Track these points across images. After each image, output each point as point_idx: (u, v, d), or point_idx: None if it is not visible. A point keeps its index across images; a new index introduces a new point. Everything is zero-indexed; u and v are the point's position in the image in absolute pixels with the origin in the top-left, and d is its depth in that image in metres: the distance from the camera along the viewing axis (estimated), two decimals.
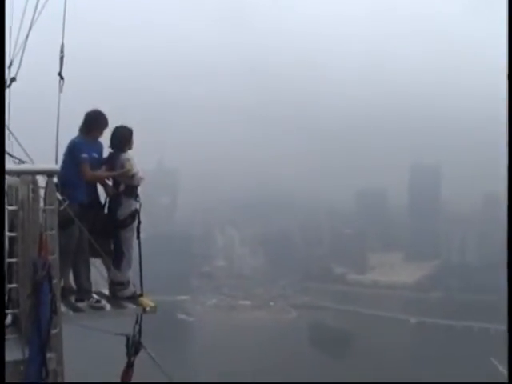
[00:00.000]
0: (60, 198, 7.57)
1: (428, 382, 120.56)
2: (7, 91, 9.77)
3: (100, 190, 10.48)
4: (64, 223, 7.76)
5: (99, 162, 10.26)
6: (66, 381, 7.18)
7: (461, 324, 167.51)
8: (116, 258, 10.20)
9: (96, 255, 9.97)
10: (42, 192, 6.97)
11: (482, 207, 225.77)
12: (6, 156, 7.84)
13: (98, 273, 10.41)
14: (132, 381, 9.56)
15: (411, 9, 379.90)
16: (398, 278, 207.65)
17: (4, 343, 6.52)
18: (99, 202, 10.32)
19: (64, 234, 7.33)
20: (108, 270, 10.31)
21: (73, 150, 9.68)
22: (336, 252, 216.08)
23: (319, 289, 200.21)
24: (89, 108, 10.24)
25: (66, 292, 9.32)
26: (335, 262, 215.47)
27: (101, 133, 10.20)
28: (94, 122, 10.06)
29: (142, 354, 9.68)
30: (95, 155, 10.15)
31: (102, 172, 10.28)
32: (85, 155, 9.75)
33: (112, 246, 10.28)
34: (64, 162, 9.51)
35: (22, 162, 7.92)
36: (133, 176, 10.25)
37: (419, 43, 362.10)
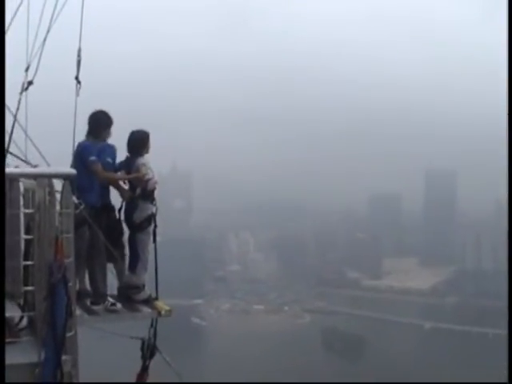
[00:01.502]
0: (76, 201, 7.61)
1: None
2: (24, 94, 9.83)
3: (114, 193, 10.50)
4: (74, 225, 7.78)
5: (113, 166, 10.27)
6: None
7: (476, 330, 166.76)
8: (132, 261, 10.23)
9: (109, 259, 10.01)
10: (58, 195, 7.00)
11: (496, 213, 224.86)
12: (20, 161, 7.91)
13: (114, 276, 10.44)
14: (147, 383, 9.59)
15: (425, 14, 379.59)
16: (412, 283, 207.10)
17: (4, 343, 6.56)
18: (112, 206, 10.33)
19: (74, 235, 7.35)
20: (119, 274, 10.33)
21: (80, 154, 9.64)
22: (350, 257, 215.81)
23: (333, 294, 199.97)
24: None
25: (81, 295, 9.35)
26: (349, 267, 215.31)
27: (106, 132, 10.17)
28: (96, 122, 10.05)
29: (156, 357, 9.70)
30: (109, 160, 10.14)
31: (116, 174, 10.30)
32: (93, 158, 9.73)
33: (125, 251, 10.30)
34: (73, 166, 9.48)
35: (36, 165, 7.96)
36: (147, 181, 10.28)
37: (435, 50, 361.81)
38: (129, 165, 10.36)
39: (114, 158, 10.34)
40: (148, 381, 9.66)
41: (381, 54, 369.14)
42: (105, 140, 10.21)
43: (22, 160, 8.18)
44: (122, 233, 10.29)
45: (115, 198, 10.48)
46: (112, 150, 10.34)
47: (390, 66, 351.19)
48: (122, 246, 10.23)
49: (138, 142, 10.45)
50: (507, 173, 5.78)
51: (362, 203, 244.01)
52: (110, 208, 10.26)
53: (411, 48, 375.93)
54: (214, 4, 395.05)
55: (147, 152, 10.52)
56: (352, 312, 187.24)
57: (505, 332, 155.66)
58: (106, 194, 10.20)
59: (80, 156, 9.56)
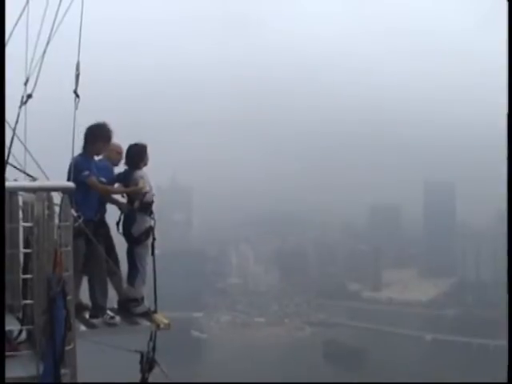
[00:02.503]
0: (75, 214, 7.62)
1: None
2: (23, 108, 9.84)
3: (112, 207, 10.50)
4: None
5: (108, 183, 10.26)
6: None
7: (477, 341, 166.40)
8: (130, 274, 10.25)
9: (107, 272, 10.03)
10: (56, 209, 7.01)
11: (496, 224, 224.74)
12: (21, 174, 7.92)
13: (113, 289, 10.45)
14: None
15: (422, 25, 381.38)
16: (412, 295, 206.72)
17: (4, 355, 6.55)
18: (105, 222, 10.33)
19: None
20: (116, 288, 10.34)
21: (73, 169, 9.57)
22: (350, 269, 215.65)
23: (334, 306, 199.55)
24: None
25: (79, 308, 9.33)
26: (350, 279, 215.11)
27: (101, 146, 10.13)
28: (91, 135, 10.03)
29: (155, 370, 9.69)
30: (102, 179, 10.10)
31: (113, 187, 10.31)
32: (86, 172, 9.71)
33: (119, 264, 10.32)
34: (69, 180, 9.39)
35: (35, 178, 7.96)
36: (145, 194, 10.31)
37: (434, 60, 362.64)
38: (127, 177, 10.39)
39: (109, 178, 10.34)
40: None
41: (378, 65, 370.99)
42: (99, 155, 10.21)
43: (21, 171, 8.18)
44: (114, 246, 10.34)
45: (113, 212, 10.49)
46: (106, 171, 10.35)
47: (388, 78, 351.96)
48: (117, 259, 10.25)
49: (136, 155, 10.50)
50: (507, 175, 5.78)
51: (361, 215, 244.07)
52: (105, 222, 10.27)
53: (408, 59, 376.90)
54: (214, 16, 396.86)
55: (145, 165, 10.56)
56: (352, 324, 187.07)
57: (505, 343, 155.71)
58: (102, 209, 10.21)
59: (73, 171, 9.50)
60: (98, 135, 10.10)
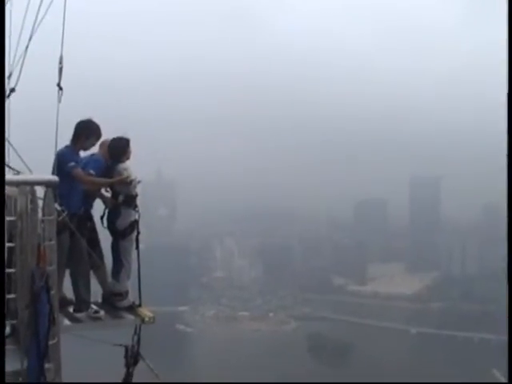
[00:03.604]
0: (59, 208, 7.59)
1: None
2: (7, 102, 9.80)
3: (96, 202, 10.48)
4: None
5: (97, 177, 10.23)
6: None
7: (461, 335, 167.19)
8: (115, 268, 10.23)
9: (91, 266, 10.01)
10: (40, 203, 6.98)
11: (481, 218, 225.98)
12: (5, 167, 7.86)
13: (98, 283, 10.43)
14: None
15: (412, 21, 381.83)
16: (398, 288, 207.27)
17: (4, 354, 6.53)
18: (91, 214, 10.31)
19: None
20: (100, 282, 10.33)
21: (59, 161, 9.53)
22: (336, 263, 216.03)
23: (319, 300, 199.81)
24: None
25: (63, 302, 9.30)
26: (335, 273, 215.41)
27: (89, 141, 10.12)
28: (81, 129, 10.01)
29: (140, 364, 9.67)
30: (91, 172, 10.09)
31: (100, 179, 10.27)
32: (72, 163, 9.68)
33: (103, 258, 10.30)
34: (54, 173, 9.35)
35: (19, 172, 7.92)
36: (131, 182, 10.28)
37: (420, 57, 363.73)
38: (110, 171, 10.36)
39: (98, 170, 10.31)
40: None
41: (366, 61, 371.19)
42: (86, 149, 10.20)
43: (9, 167, 8.13)
44: (99, 240, 10.33)
45: (97, 206, 10.46)
46: (98, 165, 10.33)
47: (375, 74, 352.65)
48: (102, 253, 10.24)
49: (119, 149, 10.47)
50: (507, 175, 5.80)
51: (347, 209, 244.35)
52: (90, 216, 10.25)
53: (395, 55, 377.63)
54: (204, 11, 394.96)
55: (128, 158, 10.53)
56: (337, 318, 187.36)
57: (489, 336, 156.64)
58: (87, 201, 10.18)
59: (59, 163, 9.46)
60: (92, 130, 10.10)
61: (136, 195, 10.40)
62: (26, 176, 7.37)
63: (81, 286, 9.84)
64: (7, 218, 7.07)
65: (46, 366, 6.69)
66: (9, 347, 6.88)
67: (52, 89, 8.90)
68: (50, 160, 9.39)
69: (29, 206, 6.86)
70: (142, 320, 9.60)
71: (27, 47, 9.63)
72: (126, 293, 10.19)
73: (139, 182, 10.45)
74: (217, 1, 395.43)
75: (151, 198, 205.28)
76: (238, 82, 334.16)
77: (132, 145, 10.64)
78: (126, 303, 10.06)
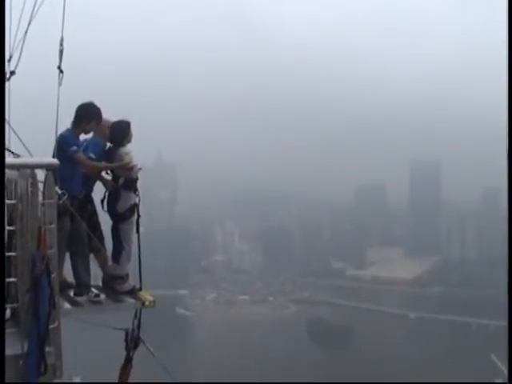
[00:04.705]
0: (59, 191, 7.56)
1: (427, 381, 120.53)
2: (7, 84, 9.75)
3: (97, 185, 10.44)
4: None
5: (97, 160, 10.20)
6: (64, 374, 7.18)
7: (460, 319, 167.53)
8: (115, 251, 10.19)
9: (90, 250, 9.99)
10: (40, 186, 6.95)
11: (481, 203, 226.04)
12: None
13: (98, 267, 10.41)
14: (131, 375, 9.54)
15: (409, 12, 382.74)
16: (397, 273, 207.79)
17: (4, 339, 6.52)
18: (91, 198, 10.28)
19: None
20: (101, 265, 10.31)
21: (61, 144, 9.48)
22: (335, 247, 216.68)
23: (318, 284, 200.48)
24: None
25: (63, 286, 9.28)
26: (334, 258, 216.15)
27: (90, 125, 10.07)
28: (82, 113, 9.96)
29: (141, 348, 9.67)
30: (91, 155, 10.06)
31: (100, 163, 10.23)
32: (74, 147, 9.63)
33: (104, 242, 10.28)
34: (54, 156, 9.32)
35: (19, 155, 7.89)
36: (131, 168, 10.24)
37: (420, 44, 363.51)
38: (111, 155, 10.32)
39: (98, 153, 10.27)
40: (132, 372, 9.62)
41: (366, 49, 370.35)
42: (87, 133, 10.15)
43: (9, 151, 8.09)
44: (99, 224, 10.30)
45: (97, 189, 10.43)
46: (98, 148, 10.29)
47: (376, 60, 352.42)
48: (102, 237, 10.21)
49: (119, 132, 10.40)
50: (507, 175, 5.78)
51: (347, 194, 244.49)
52: (91, 199, 10.22)
53: (393, 42, 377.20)
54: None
55: (129, 141, 10.46)
56: (337, 302, 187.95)
57: (488, 322, 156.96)
58: (88, 184, 10.16)
59: (61, 146, 9.43)
60: (93, 114, 10.04)
61: (136, 178, 10.36)
62: (26, 159, 7.35)
63: (81, 269, 9.82)
64: (8, 202, 7.05)
65: (47, 349, 6.68)
66: (9, 331, 6.88)
67: (53, 71, 8.87)
68: (50, 143, 9.35)
69: (29, 190, 6.84)
70: (143, 304, 9.57)
71: (27, 30, 9.57)
72: (127, 275, 10.17)
73: (140, 169, 10.41)
74: None
75: (152, 181, 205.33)
76: (239, 65, 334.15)
77: (133, 128, 10.59)
78: (126, 287, 10.04)
